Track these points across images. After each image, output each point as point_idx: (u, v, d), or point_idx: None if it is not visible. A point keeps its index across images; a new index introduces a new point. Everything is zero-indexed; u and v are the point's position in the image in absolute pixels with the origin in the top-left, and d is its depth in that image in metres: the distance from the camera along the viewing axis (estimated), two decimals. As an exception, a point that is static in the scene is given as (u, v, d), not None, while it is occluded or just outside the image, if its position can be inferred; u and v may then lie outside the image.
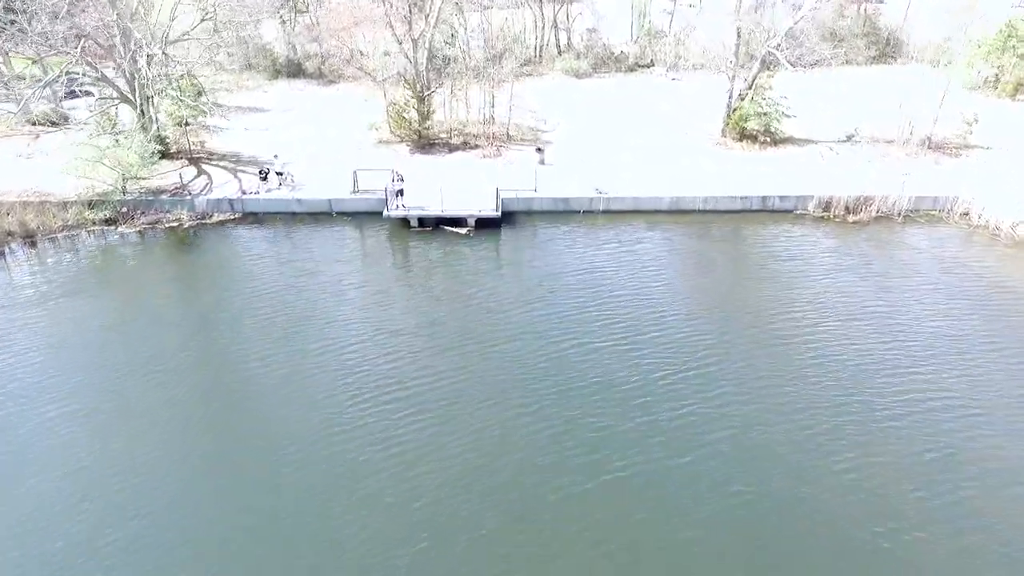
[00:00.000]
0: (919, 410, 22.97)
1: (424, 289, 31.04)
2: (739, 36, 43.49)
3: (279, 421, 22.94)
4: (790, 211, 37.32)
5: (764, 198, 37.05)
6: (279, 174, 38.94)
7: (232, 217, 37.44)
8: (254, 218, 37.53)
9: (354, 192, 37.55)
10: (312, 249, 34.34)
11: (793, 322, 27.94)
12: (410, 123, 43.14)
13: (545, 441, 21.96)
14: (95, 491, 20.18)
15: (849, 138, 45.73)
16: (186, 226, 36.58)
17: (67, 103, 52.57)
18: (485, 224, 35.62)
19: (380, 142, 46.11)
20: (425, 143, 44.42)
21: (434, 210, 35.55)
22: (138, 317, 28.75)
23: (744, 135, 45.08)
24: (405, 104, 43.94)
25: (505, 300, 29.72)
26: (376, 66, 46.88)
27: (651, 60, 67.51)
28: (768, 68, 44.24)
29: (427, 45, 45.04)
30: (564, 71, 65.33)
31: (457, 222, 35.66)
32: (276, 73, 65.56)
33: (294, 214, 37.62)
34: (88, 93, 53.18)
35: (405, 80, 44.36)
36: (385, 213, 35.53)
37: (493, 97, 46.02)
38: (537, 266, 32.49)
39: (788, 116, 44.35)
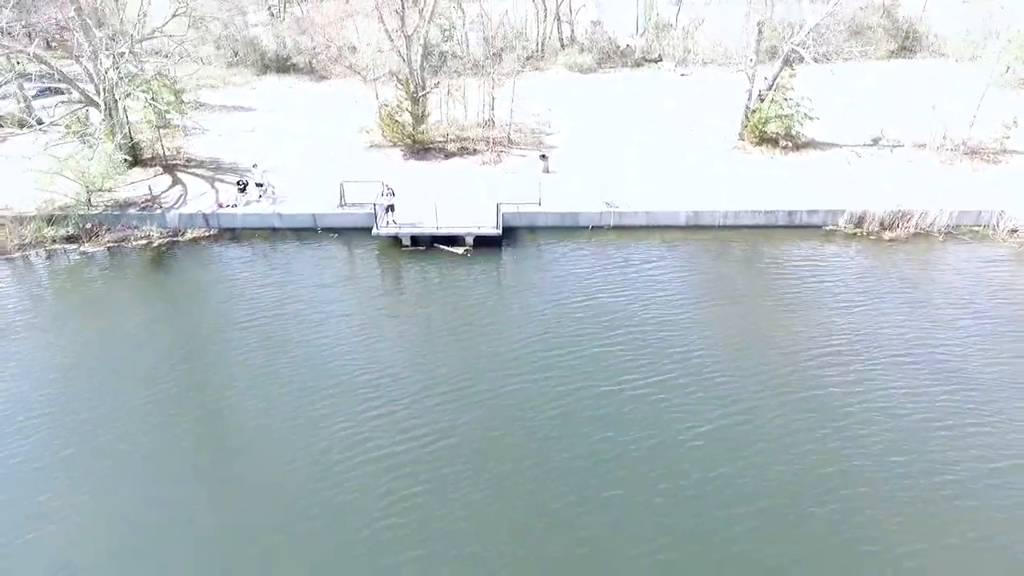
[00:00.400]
0: (996, 483, 19.30)
1: (416, 319, 27.36)
2: (760, 32, 39.45)
3: (247, 488, 19.30)
4: (819, 227, 33.54)
5: (791, 213, 33.24)
6: (259, 185, 35.10)
7: (207, 233, 33.64)
8: (231, 235, 33.73)
9: (341, 206, 33.73)
10: (293, 271, 30.61)
11: (831, 362, 24.27)
12: (403, 127, 39.14)
13: (552, 527, 18.30)
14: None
15: (875, 141, 41.90)
16: (156, 244, 32.80)
17: (40, 102, 48.56)
18: (484, 243, 31.85)
19: (372, 146, 42.23)
20: (419, 148, 40.47)
21: (428, 227, 31.76)
22: (102, 354, 25.17)
23: (763, 139, 41.18)
24: (397, 106, 39.93)
25: (507, 333, 26.08)
26: (367, 64, 42.86)
27: (659, 55, 63.43)
28: (790, 66, 40.24)
29: (422, 41, 41.03)
30: (567, 66, 61.34)
31: (453, 240, 31.89)
32: (265, 68, 61.62)
33: (275, 230, 33.83)
34: (61, 92, 49.12)
35: (398, 79, 40.38)
36: (374, 231, 31.73)
37: (493, 99, 41.98)
38: (541, 292, 28.77)
39: (811, 118, 40.39)
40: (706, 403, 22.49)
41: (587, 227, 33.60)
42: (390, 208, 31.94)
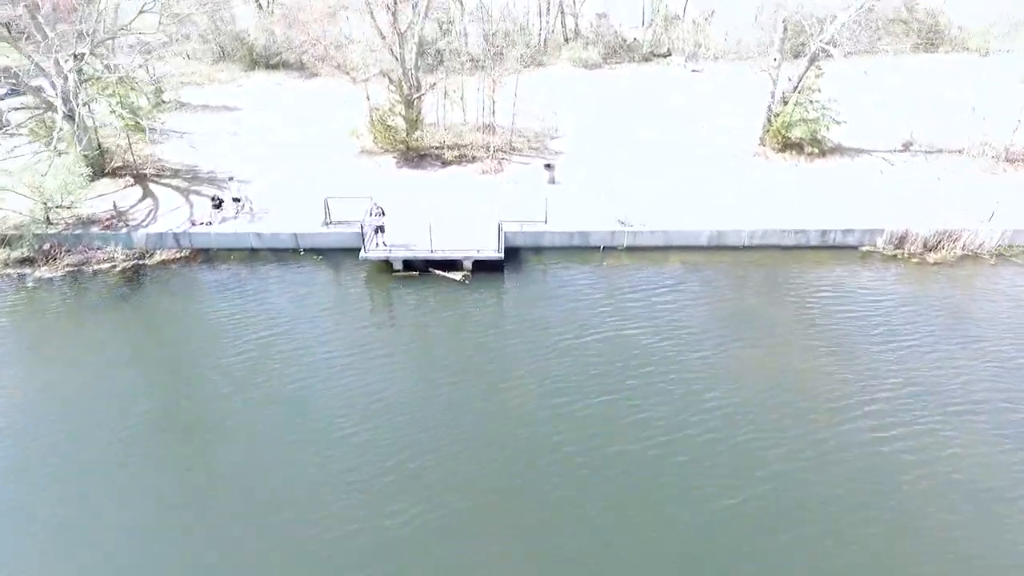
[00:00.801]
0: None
1: (408, 357, 23.85)
2: (785, 30, 35.59)
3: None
4: (855, 248, 29.92)
5: (824, 232, 29.58)
6: (236, 200, 31.41)
7: (178, 255, 30.00)
8: (204, 256, 30.08)
9: (326, 224, 30.06)
10: (272, 300, 27.02)
11: (880, 417, 20.81)
12: (396, 132, 35.37)
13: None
14: None
15: (906, 147, 38.17)
16: (120, 268, 29.13)
17: (7, 102, 44.66)
18: (485, 267, 28.21)
19: (362, 152, 38.47)
20: (414, 156, 36.69)
21: (422, 250, 28.11)
22: (57, 398, 21.68)
23: (787, 144, 37.42)
24: (389, 110, 36.14)
25: (508, 376, 22.67)
26: (356, 63, 39.01)
27: (667, 49, 59.45)
28: (817, 66, 36.42)
29: (416, 39, 37.18)
30: (571, 61, 57.44)
31: (450, 265, 28.23)
32: (253, 64, 57.61)
33: (253, 251, 30.19)
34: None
35: (390, 80, 36.56)
36: (362, 255, 28.06)
37: (493, 103, 38.15)
38: (547, 327, 25.22)
39: (838, 122, 36.62)
40: (737, 468, 19.07)
41: (598, 248, 29.92)
42: (380, 229, 28.27)
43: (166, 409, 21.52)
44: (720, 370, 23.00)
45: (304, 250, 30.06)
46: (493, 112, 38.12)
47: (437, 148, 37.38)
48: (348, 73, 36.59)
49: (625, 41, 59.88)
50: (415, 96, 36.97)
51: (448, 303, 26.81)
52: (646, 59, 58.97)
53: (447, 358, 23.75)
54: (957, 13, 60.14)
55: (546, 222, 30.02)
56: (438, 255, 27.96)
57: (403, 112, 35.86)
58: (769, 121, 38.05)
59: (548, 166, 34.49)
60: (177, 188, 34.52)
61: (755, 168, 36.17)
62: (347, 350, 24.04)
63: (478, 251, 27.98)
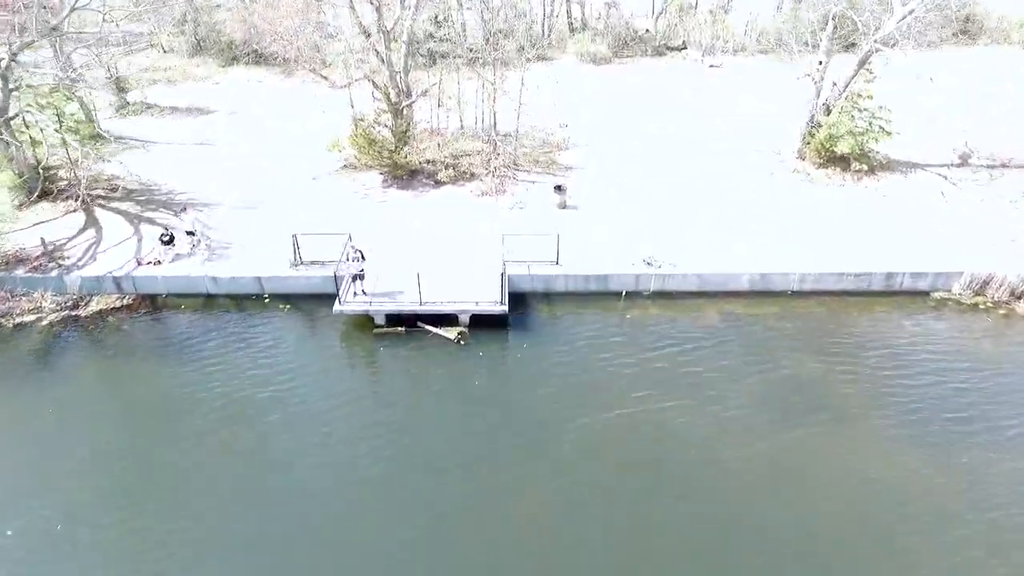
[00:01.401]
0: None
1: (387, 441, 18.71)
2: (835, 27, 29.90)
3: None
4: (926, 293, 24.49)
5: (889, 275, 24.14)
6: (190, 234, 25.95)
7: (119, 303, 24.61)
8: (150, 305, 24.71)
9: (295, 265, 24.60)
10: (228, 364, 21.81)
11: (996, 546, 15.49)
12: (381, 147, 29.76)
13: None
14: None
15: (964, 160, 32.62)
16: (48, 321, 23.73)
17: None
18: (485, 322, 22.79)
19: (345, 167, 32.93)
20: (403, 173, 31.13)
21: (409, 301, 22.71)
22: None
23: (830, 158, 31.86)
24: (375, 120, 30.50)
25: (509, 475, 17.52)
26: (338, 64, 33.37)
27: (683, 41, 53.51)
28: (868, 68, 30.77)
29: (405, 37, 31.47)
30: (579, 55, 51.60)
31: (444, 320, 22.83)
32: (232, 59, 51.66)
33: (209, 297, 24.77)
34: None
35: (374, 85, 30.89)
36: (337, 307, 22.64)
37: (494, 114, 32.48)
38: (558, 402, 20.11)
39: (889, 133, 31.06)
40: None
41: (620, 293, 24.49)
42: (358, 277, 22.81)
43: (87, 519, 16.27)
44: (778, 469, 17.86)
45: (270, 296, 24.65)
46: (495, 125, 32.40)
47: (430, 164, 31.70)
48: (326, 78, 30.84)
49: (636, 33, 53.90)
50: (404, 104, 31.29)
51: (440, 370, 21.51)
52: (659, 52, 53.11)
53: (435, 447, 18.62)
54: (996, 1, 54.18)
55: (558, 262, 24.57)
56: (429, 308, 22.55)
57: (390, 124, 30.17)
58: (810, 132, 32.42)
59: (558, 188, 28.97)
60: (127, 215, 29.02)
61: (795, 188, 30.67)
62: (313, 431, 18.88)
63: (476, 303, 22.58)
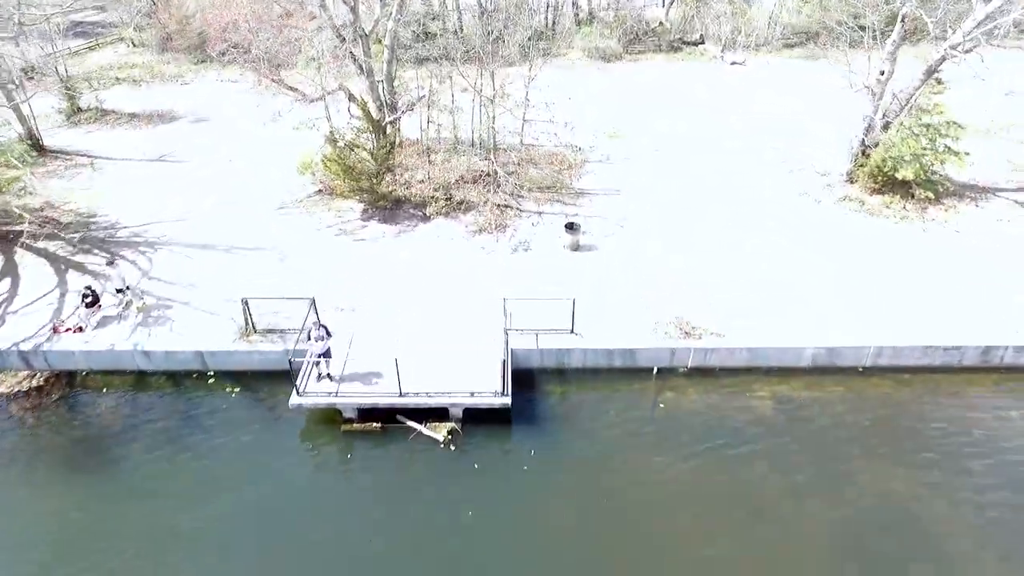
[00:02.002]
0: None
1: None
2: (903, 30, 24.27)
3: None
4: (1033, 371, 19.16)
5: (985, 349, 18.78)
6: (119, 292, 20.53)
7: (27, 383, 19.28)
8: (67, 385, 19.38)
9: (246, 335, 19.23)
10: (153, 475, 16.60)
11: None
12: (360, 174, 24.25)
13: None
14: None
15: (1045, 184, 27.16)
16: (-66, 410, 18.39)
17: None
18: (481, 417, 17.48)
19: (319, 192, 27.38)
20: (386, 204, 25.66)
21: (386, 390, 17.35)
22: None
23: (887, 183, 26.40)
24: (353, 141, 24.95)
25: None
26: (310, 70, 27.80)
27: (700, 35, 47.65)
28: (937, 79, 25.18)
29: (388, 40, 25.84)
30: (586, 52, 45.73)
31: (429, 415, 17.54)
32: (204, 58, 45.73)
33: (141, 375, 19.43)
34: None
35: (351, 98, 25.31)
36: (294, 399, 17.31)
37: (494, 134, 26.90)
38: (576, 523, 15.00)
39: (957, 154, 25.63)
40: None
41: (651, 369, 19.17)
42: (323, 358, 17.45)
43: None
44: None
45: (215, 374, 19.30)
46: (494, 147, 26.82)
47: (416, 193, 26.19)
48: (294, 89, 25.22)
49: (648, 26, 47.99)
50: (388, 121, 25.71)
51: (422, 490, 16.30)
52: (674, 47, 47.23)
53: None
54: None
55: (573, 330, 19.21)
56: (411, 400, 17.22)
57: (373, 148, 24.64)
58: (863, 153, 26.91)
59: (570, 226, 23.53)
60: (54, 259, 23.60)
61: (849, 222, 25.27)
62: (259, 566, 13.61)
63: (471, 393, 17.26)
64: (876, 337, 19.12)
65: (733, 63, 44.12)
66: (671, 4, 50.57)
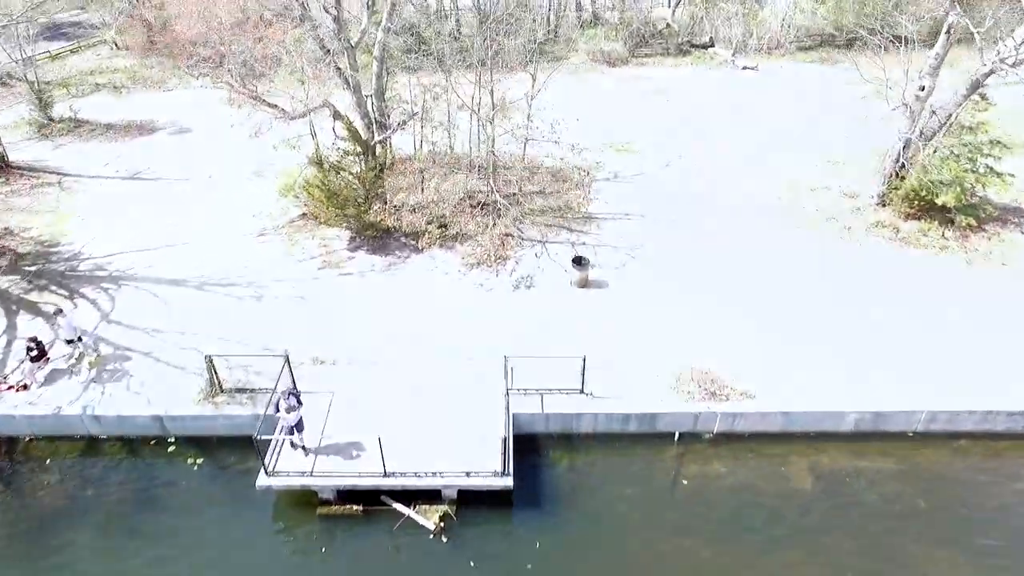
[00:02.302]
0: None
1: None
2: (949, 42, 21.53)
3: None
4: (1108, 439, 16.57)
5: (1056, 414, 16.20)
6: (70, 343, 17.87)
7: (-39, 452, 16.65)
8: (5, 453, 16.91)
9: (211, 395, 16.60)
10: (107, 560, 14.16)
11: None
12: (345, 201, 21.57)
13: None
14: None
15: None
16: None
17: None
18: (480, 499, 14.87)
19: (304, 216, 24.72)
20: (375, 233, 22.99)
21: (368, 469, 14.78)
22: None
23: (923, 207, 23.75)
24: (338, 163, 22.26)
25: None
26: (291, 84, 25.10)
27: (710, 38, 44.81)
28: (981, 94, 22.47)
29: (378, 51, 23.10)
30: (590, 55, 42.88)
31: (417, 496, 14.94)
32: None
33: (92, 441, 16.82)
34: None
35: (336, 116, 22.59)
36: (262, 480, 14.71)
37: (493, 159, 24.19)
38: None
39: (1000, 175, 22.98)
40: None
41: (671, 435, 16.56)
42: (295, 429, 14.82)
43: None
44: None
45: (177, 440, 16.69)
46: (492, 169, 24.10)
47: (408, 222, 23.52)
48: (273, 106, 22.51)
49: (655, 27, 45.14)
50: (375, 141, 23.01)
51: (412, 584, 13.65)
52: (682, 51, 44.40)
53: None
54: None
55: (583, 389, 16.59)
56: (397, 481, 14.62)
57: (358, 172, 21.96)
58: (897, 174, 24.24)
59: (578, 261, 20.88)
60: (5, 297, 20.97)
61: (884, 253, 22.63)
62: None
63: (468, 473, 14.67)
64: (928, 398, 16.50)
65: (745, 67, 41.35)
66: (677, 4, 47.72)
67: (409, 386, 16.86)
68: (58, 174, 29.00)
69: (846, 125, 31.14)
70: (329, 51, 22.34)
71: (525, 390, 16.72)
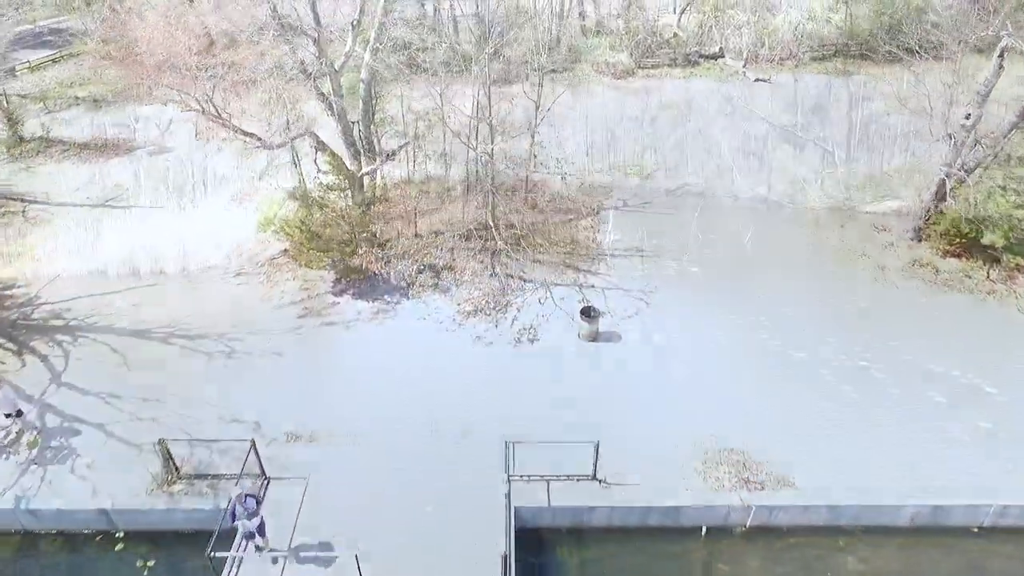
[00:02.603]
0: None
1: None
2: (1002, 67, 18.97)
3: None
4: None
5: None
6: (8, 417, 15.39)
7: None
8: (-71, 552, 14.23)
9: (167, 483, 14.10)
10: None
11: None
12: (329, 242, 19.04)
13: None
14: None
15: None
16: None
17: None
18: (475, 618, 12.44)
19: (285, 252, 22.16)
20: (361, 277, 20.45)
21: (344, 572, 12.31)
22: None
23: (964, 244, 21.22)
24: (320, 199, 19.73)
25: None
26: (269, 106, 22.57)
27: (720, 48, 42.12)
28: (1033, 124, 19.94)
29: (367, 75, 20.52)
30: (594, 66, 40.15)
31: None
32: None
33: (28, 537, 14.33)
34: None
35: (317, 148, 20.03)
36: (217, 597, 12.20)
37: (494, 208, 21.65)
38: None
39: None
40: None
41: (697, 529, 14.05)
42: (256, 533, 12.30)
43: None
44: None
45: (126, 535, 14.19)
46: (492, 207, 21.56)
47: (395, 265, 20.98)
48: (249, 135, 19.94)
49: (662, 37, 42.45)
50: (362, 173, 20.46)
51: None
52: (691, 61, 41.71)
53: None
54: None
55: (595, 475, 14.10)
56: (378, 600, 12.14)
57: (345, 205, 19.42)
58: (935, 206, 21.72)
59: (588, 312, 18.34)
60: (-53, 353, 18.40)
61: (926, 298, 20.15)
62: None
63: (462, 589, 12.11)
64: (996, 488, 13.98)
65: (757, 79, 38.62)
66: (682, 11, 45.06)
67: (396, 474, 14.39)
68: (23, 201, 26.47)
69: (871, 143, 28.60)
70: (311, 75, 19.76)
71: (529, 476, 14.24)
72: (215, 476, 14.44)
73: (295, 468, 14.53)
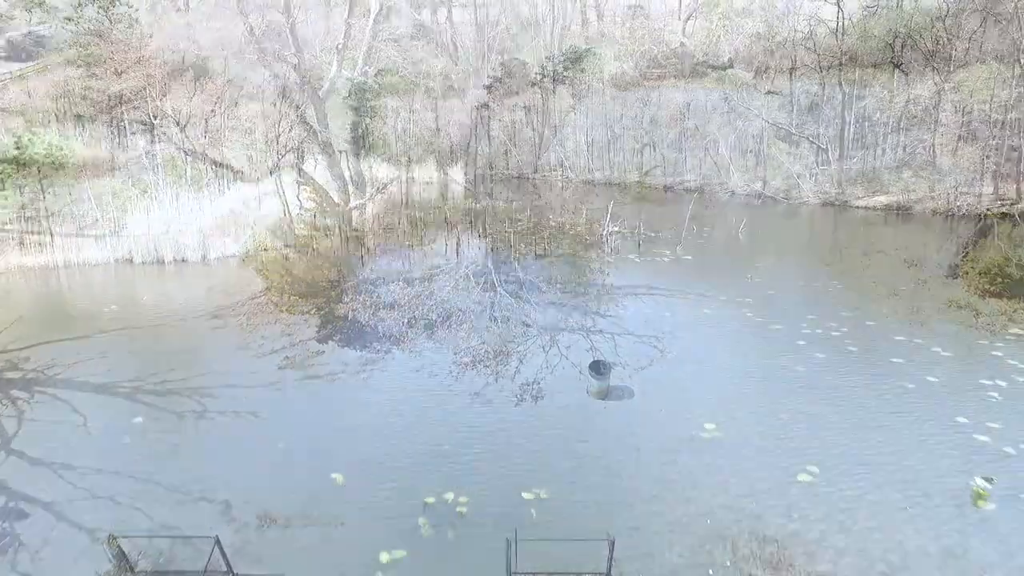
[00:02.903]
0: None
1: None
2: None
3: None
4: None
5: None
6: (-55, 501, 13.32)
7: None
8: None
9: (121, 582, 12.16)
10: None
11: None
12: (310, 287, 17.00)
13: None
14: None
15: None
16: None
17: None
18: None
19: (267, 291, 20.14)
20: (349, 324, 18.41)
21: None
22: None
23: (1006, 283, 19.25)
24: (307, 240, 17.70)
25: None
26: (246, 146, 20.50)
27: (729, 58, 40.20)
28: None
29: (357, 101, 18.45)
30: (598, 80, 38.18)
31: None
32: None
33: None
34: None
35: (302, 180, 17.99)
36: None
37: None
38: None
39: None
40: None
41: (726, 637, 12.07)
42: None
43: None
44: None
45: (74, 646, 12.20)
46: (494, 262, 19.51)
47: (390, 311, 18.97)
48: (226, 167, 17.89)
49: (668, 46, 40.48)
50: (351, 207, 18.41)
51: None
52: (698, 72, 39.75)
53: None
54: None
55: (609, 572, 12.07)
56: None
57: (329, 245, 17.40)
58: (975, 243, 19.68)
59: (597, 368, 16.31)
60: None
61: (966, 344, 18.09)
62: None
63: None
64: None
65: (769, 92, 36.68)
66: (688, 17, 43.12)
67: (386, 570, 12.35)
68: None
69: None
70: (293, 104, 17.70)
71: (534, 575, 12.18)
72: (177, 573, 12.41)
73: (268, 561, 12.51)
